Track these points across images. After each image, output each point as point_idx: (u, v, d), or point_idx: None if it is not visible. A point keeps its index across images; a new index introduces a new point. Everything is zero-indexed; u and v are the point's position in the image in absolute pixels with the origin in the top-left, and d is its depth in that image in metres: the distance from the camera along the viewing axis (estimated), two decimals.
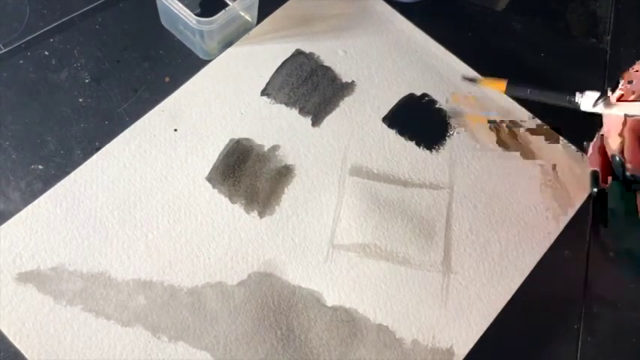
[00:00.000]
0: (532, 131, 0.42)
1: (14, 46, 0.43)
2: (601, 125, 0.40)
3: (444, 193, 0.41)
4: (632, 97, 0.36)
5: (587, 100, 0.38)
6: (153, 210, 0.38)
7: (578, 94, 0.39)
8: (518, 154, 0.42)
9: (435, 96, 0.44)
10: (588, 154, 0.40)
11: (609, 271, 0.41)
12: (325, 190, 0.40)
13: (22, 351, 0.33)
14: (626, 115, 0.37)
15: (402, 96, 0.44)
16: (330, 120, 0.42)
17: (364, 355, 0.35)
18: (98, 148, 0.39)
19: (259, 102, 0.42)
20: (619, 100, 0.37)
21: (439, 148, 0.42)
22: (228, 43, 0.44)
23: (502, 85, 0.41)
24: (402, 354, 0.35)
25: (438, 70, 0.45)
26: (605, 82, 0.48)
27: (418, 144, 0.42)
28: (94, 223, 0.37)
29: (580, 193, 0.42)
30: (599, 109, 0.38)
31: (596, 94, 0.38)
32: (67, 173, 0.38)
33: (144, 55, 0.44)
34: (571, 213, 0.41)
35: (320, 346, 0.35)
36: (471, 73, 0.44)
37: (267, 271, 0.37)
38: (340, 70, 0.44)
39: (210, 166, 0.39)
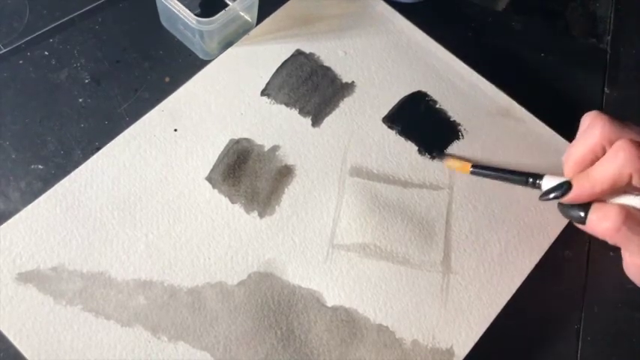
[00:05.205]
0: None
1: (14, 46, 0.43)
2: None
3: (444, 194, 0.41)
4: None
5: (547, 184, 0.37)
6: (153, 210, 0.38)
7: (539, 181, 0.37)
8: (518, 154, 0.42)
9: (435, 96, 0.44)
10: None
11: (609, 271, 0.41)
12: (325, 190, 0.40)
13: (22, 351, 0.33)
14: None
15: (402, 96, 0.44)
16: (330, 120, 0.42)
17: (364, 355, 0.35)
18: (98, 148, 0.39)
19: (259, 102, 0.42)
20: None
21: (440, 151, 0.42)
22: (228, 44, 0.44)
23: (467, 167, 0.40)
24: (402, 354, 0.35)
25: (437, 70, 0.45)
26: (604, 82, 0.49)
27: (418, 144, 0.42)
28: (94, 223, 0.37)
29: None
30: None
31: (555, 181, 0.36)
32: (67, 173, 0.38)
33: (144, 55, 0.44)
34: None
35: (320, 346, 0.35)
36: (443, 151, 0.42)
37: (267, 271, 0.37)
38: (340, 71, 0.44)
39: (211, 166, 0.39)
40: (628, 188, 0.34)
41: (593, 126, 0.35)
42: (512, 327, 0.38)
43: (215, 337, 0.35)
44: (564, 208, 0.37)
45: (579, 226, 0.36)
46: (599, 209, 0.34)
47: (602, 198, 0.35)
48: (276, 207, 0.39)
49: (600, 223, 0.34)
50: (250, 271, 0.37)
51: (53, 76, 0.42)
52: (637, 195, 0.34)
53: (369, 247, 0.38)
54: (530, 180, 0.37)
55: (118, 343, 0.34)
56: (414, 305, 0.37)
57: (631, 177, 0.33)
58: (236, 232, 0.38)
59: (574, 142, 0.37)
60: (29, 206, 0.37)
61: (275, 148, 0.41)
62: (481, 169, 0.40)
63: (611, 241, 0.35)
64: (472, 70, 0.45)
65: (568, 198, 0.35)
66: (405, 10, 0.47)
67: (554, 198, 0.36)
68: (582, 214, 0.35)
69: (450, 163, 0.41)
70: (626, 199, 0.34)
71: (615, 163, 0.33)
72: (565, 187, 0.35)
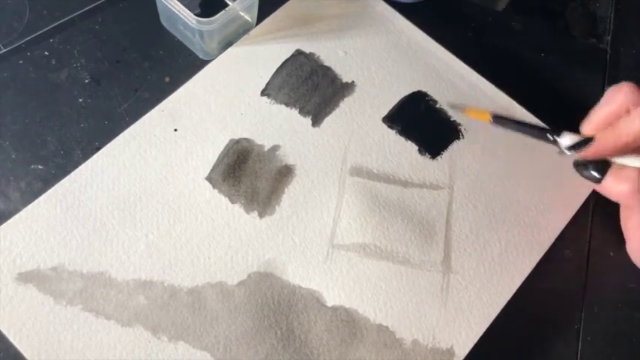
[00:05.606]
0: None
1: (14, 46, 0.43)
2: None
3: (444, 193, 0.41)
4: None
5: (566, 141, 0.37)
6: (153, 210, 0.38)
7: (557, 136, 0.37)
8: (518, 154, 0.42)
9: (435, 96, 0.44)
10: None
11: (609, 271, 0.41)
12: (325, 190, 0.40)
13: (22, 351, 0.33)
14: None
15: (402, 96, 0.44)
16: (330, 120, 0.42)
17: (364, 355, 0.35)
18: (98, 148, 0.39)
19: (259, 102, 0.42)
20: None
21: (440, 150, 0.42)
22: (228, 44, 0.44)
23: (486, 115, 0.40)
24: (402, 354, 0.35)
25: (437, 70, 0.45)
26: (604, 82, 0.49)
27: (418, 144, 0.42)
28: (94, 223, 0.37)
29: (580, 192, 0.42)
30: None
31: (574, 138, 0.37)
32: (67, 173, 0.38)
33: (144, 55, 0.44)
34: (571, 213, 0.41)
35: (320, 346, 0.35)
36: (457, 101, 0.43)
37: (267, 271, 0.37)
38: (340, 71, 0.44)
39: (211, 166, 0.39)
40: None
41: (618, 91, 0.36)
42: (512, 327, 0.38)
43: (215, 337, 0.35)
44: (581, 168, 0.37)
45: (594, 186, 0.37)
46: (617, 172, 0.35)
47: (619, 154, 0.35)
48: (276, 207, 0.39)
49: (617, 186, 0.35)
50: (250, 271, 0.37)
51: (53, 76, 0.42)
52: None
53: (369, 247, 0.38)
54: (549, 135, 0.38)
55: (118, 343, 0.34)
56: (414, 305, 0.37)
57: None
58: (236, 232, 0.38)
59: (597, 106, 0.37)
60: (29, 206, 0.37)
61: (275, 148, 0.41)
62: (502, 119, 0.40)
63: (624, 202, 0.36)
64: (472, 70, 0.45)
65: (591, 150, 0.36)
66: (405, 10, 0.47)
67: (578, 151, 0.36)
68: (598, 174, 0.36)
69: (469, 112, 0.42)
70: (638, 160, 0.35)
71: None
72: (588, 141, 0.36)
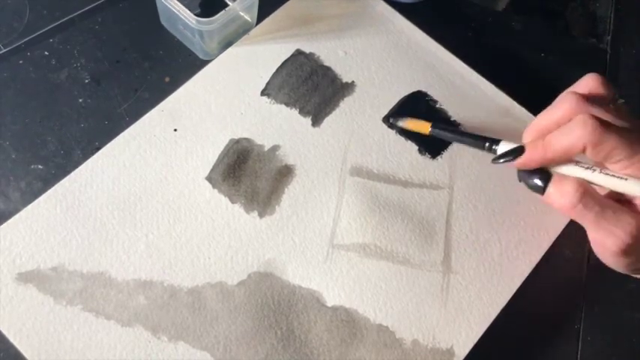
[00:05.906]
0: None
1: (14, 46, 0.43)
2: None
3: (444, 193, 0.41)
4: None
5: (503, 149, 0.35)
6: (153, 210, 0.38)
7: (495, 146, 0.35)
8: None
9: (435, 96, 0.44)
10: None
11: (609, 271, 0.41)
12: (325, 190, 0.40)
13: (22, 351, 0.33)
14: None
15: (402, 96, 0.44)
16: (330, 120, 0.42)
17: (364, 355, 0.35)
18: (98, 148, 0.39)
19: (259, 102, 0.42)
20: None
21: (440, 150, 0.42)
22: (228, 44, 0.44)
23: (426, 127, 0.40)
24: (402, 354, 0.35)
25: (438, 70, 0.45)
26: None
27: (418, 144, 0.42)
28: (94, 223, 0.37)
29: None
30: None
31: (510, 146, 0.35)
32: (67, 173, 0.38)
33: (144, 55, 0.44)
34: None
35: (320, 346, 0.35)
36: (399, 118, 0.42)
37: (267, 271, 0.37)
38: (340, 70, 0.44)
39: (211, 166, 0.39)
40: (580, 158, 0.33)
41: (563, 100, 0.34)
42: (512, 327, 0.38)
43: (215, 337, 0.35)
44: (524, 176, 0.35)
45: (538, 197, 0.34)
46: (558, 184, 0.33)
47: (551, 165, 0.34)
48: (276, 207, 0.39)
49: (557, 199, 0.33)
50: (250, 271, 0.37)
51: (53, 76, 0.42)
52: (586, 167, 0.33)
53: (369, 247, 0.38)
54: (487, 144, 0.36)
55: (118, 343, 0.34)
56: (414, 305, 0.37)
57: (584, 149, 0.32)
58: (236, 232, 0.38)
59: (542, 113, 0.35)
60: (29, 206, 0.37)
61: (275, 148, 0.41)
62: (440, 129, 0.39)
63: (567, 215, 0.34)
64: (472, 70, 0.45)
65: (519, 161, 0.34)
66: (405, 10, 0.47)
67: (506, 160, 0.35)
68: (541, 183, 0.33)
69: (409, 124, 0.41)
70: (574, 169, 0.33)
71: (571, 135, 0.32)
72: (518, 150, 0.34)
